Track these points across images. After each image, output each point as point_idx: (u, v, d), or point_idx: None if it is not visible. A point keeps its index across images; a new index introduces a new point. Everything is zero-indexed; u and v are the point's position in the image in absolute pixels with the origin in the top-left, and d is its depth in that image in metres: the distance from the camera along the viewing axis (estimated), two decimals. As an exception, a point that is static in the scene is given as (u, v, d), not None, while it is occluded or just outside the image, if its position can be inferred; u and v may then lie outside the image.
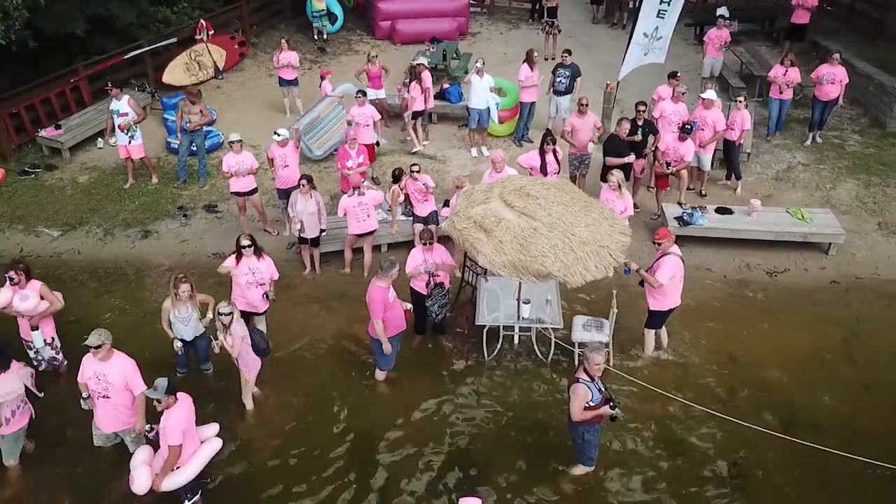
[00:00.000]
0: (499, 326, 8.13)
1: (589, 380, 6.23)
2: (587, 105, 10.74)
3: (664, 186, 10.80)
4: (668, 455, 7.04)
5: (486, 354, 8.20)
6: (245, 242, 7.85)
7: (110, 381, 6.38)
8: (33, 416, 6.77)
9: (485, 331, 8.17)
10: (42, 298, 7.50)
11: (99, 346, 6.25)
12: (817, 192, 11.45)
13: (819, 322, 8.88)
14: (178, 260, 10.23)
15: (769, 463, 6.93)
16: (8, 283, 7.28)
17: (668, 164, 10.39)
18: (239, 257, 7.90)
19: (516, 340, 8.31)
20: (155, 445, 6.25)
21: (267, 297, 8.00)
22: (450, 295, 8.40)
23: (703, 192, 11.35)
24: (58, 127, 12.55)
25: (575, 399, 6.22)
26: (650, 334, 8.22)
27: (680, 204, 10.61)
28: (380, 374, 7.91)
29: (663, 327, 8.23)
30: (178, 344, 7.50)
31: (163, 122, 13.27)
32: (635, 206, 10.81)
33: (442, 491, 6.64)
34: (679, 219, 10.17)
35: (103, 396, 6.44)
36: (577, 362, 7.91)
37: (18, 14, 10.99)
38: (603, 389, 6.34)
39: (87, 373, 6.47)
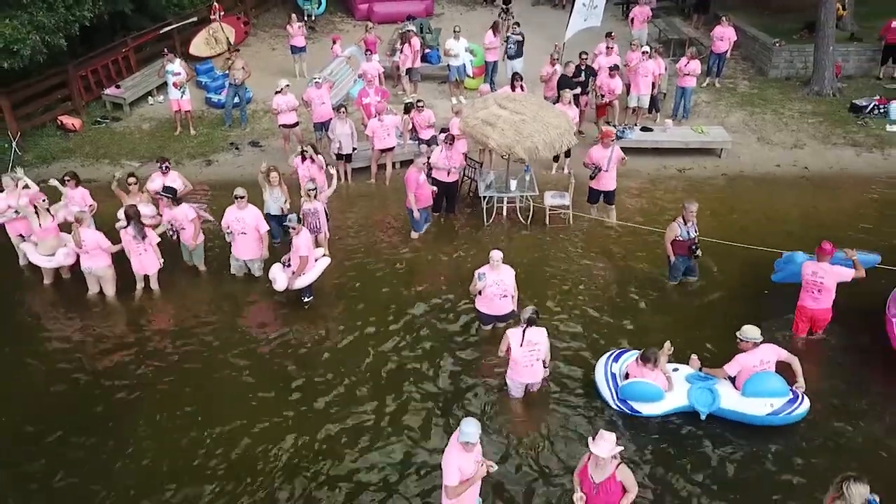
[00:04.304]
0: (494, 201, 11.57)
1: (683, 222, 9.44)
2: (558, 59, 14.29)
3: (602, 115, 14.48)
4: (635, 253, 10.70)
5: (485, 221, 11.61)
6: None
7: (247, 222, 9.61)
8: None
9: (484, 205, 11.58)
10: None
11: (242, 197, 9.48)
12: (715, 119, 15.32)
13: (713, 194, 12.75)
14: (238, 179, 13.31)
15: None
16: (160, 172, 10.36)
17: (603, 97, 14.05)
18: (303, 159, 11.07)
19: (504, 211, 11.76)
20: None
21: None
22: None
23: (636, 124, 14.91)
24: (118, 87, 15.45)
25: (668, 232, 9.50)
26: (612, 210, 11.76)
27: (614, 125, 14.22)
28: (414, 235, 11.22)
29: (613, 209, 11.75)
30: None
31: (197, 84, 16.28)
32: (581, 132, 14.45)
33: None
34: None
35: (242, 233, 9.65)
36: (547, 221, 11.43)
37: (100, -4, 13.98)
38: (691, 233, 9.39)
39: (230, 217, 9.66)
